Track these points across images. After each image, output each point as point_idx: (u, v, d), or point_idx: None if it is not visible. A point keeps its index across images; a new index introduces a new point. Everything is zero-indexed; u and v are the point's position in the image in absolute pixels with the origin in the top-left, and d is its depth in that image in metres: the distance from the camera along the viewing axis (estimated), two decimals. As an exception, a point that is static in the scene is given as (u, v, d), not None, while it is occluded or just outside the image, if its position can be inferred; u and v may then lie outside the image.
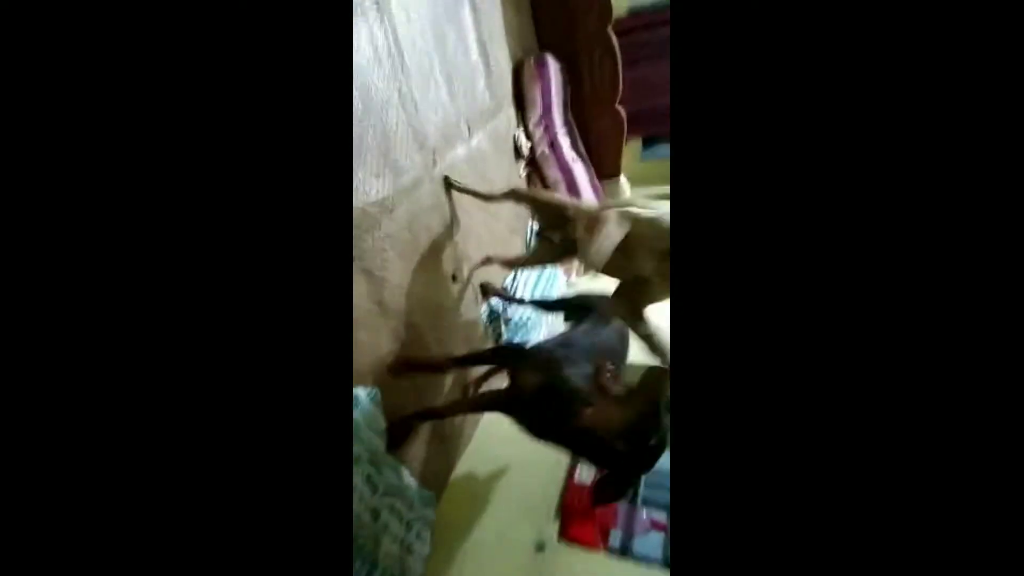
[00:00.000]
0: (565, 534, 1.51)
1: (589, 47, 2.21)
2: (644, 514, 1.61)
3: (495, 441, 1.78)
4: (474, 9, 1.78)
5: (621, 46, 2.19)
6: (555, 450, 1.20)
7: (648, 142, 3.45)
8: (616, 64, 2.22)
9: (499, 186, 1.79)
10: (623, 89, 2.29)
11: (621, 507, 1.63)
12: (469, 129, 1.79)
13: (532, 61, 2.16)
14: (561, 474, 1.67)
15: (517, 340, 2.01)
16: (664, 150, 3.38)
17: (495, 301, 1.95)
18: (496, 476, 1.68)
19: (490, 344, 1.93)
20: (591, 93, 2.32)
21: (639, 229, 1.22)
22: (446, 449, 1.65)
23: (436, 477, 1.58)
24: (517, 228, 2.20)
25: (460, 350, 1.69)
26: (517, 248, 2.20)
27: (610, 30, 2.16)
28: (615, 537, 1.58)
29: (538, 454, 1.70)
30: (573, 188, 2.30)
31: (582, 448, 1.13)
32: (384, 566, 1.17)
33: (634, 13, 2.65)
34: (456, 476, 1.69)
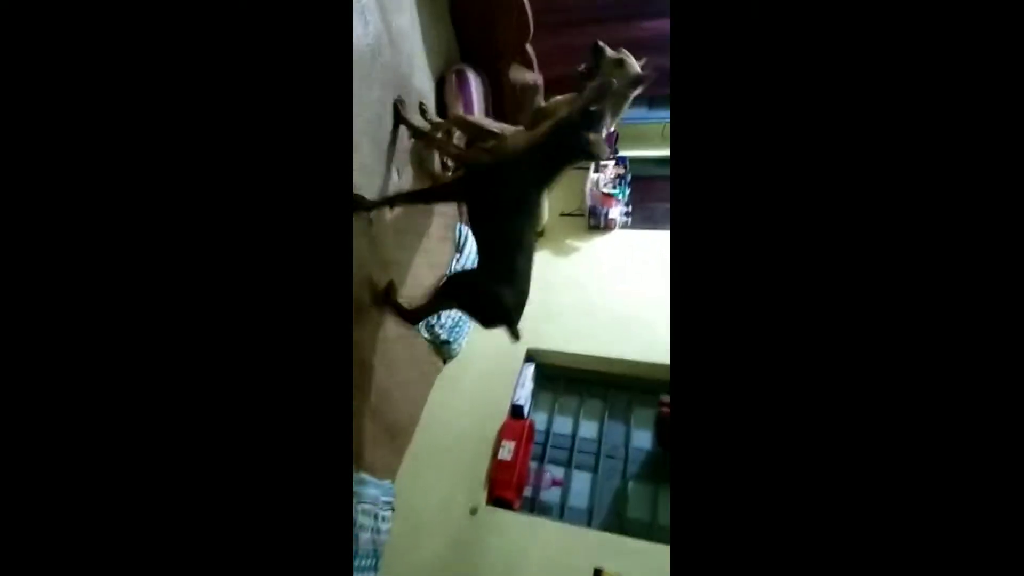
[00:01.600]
0: (491, 498, 2.06)
1: (509, 60, 2.30)
2: (548, 474, 2.20)
3: (434, 431, 2.24)
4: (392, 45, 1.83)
5: (547, 10, 2.26)
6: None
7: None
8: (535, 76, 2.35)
9: (433, 224, 2.04)
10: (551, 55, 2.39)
11: (532, 468, 2.20)
12: (399, 172, 1.96)
13: (453, 77, 2.25)
14: (487, 451, 2.18)
15: (453, 338, 2.39)
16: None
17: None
18: (436, 457, 2.17)
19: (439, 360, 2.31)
20: (512, 100, 2.45)
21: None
22: (395, 444, 2.09)
23: (390, 468, 2.04)
24: (447, 236, 2.45)
25: (411, 373, 2.07)
26: (449, 252, 2.47)
27: (528, 46, 2.26)
28: (528, 491, 2.16)
29: (469, 439, 2.20)
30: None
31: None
32: (364, 552, 1.65)
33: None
34: (407, 458, 2.15)
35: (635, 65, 1.51)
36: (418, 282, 2.13)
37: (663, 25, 2.85)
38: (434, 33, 2.16)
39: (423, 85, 2.12)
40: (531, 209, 1.59)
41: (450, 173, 2.17)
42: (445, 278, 2.02)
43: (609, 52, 1.50)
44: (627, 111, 1.55)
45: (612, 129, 3.04)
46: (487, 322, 1.73)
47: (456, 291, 1.79)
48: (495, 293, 1.59)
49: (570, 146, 1.43)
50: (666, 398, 2.15)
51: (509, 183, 1.52)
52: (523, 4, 2.11)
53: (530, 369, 2.46)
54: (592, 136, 1.41)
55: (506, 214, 1.56)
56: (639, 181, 3.24)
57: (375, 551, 1.73)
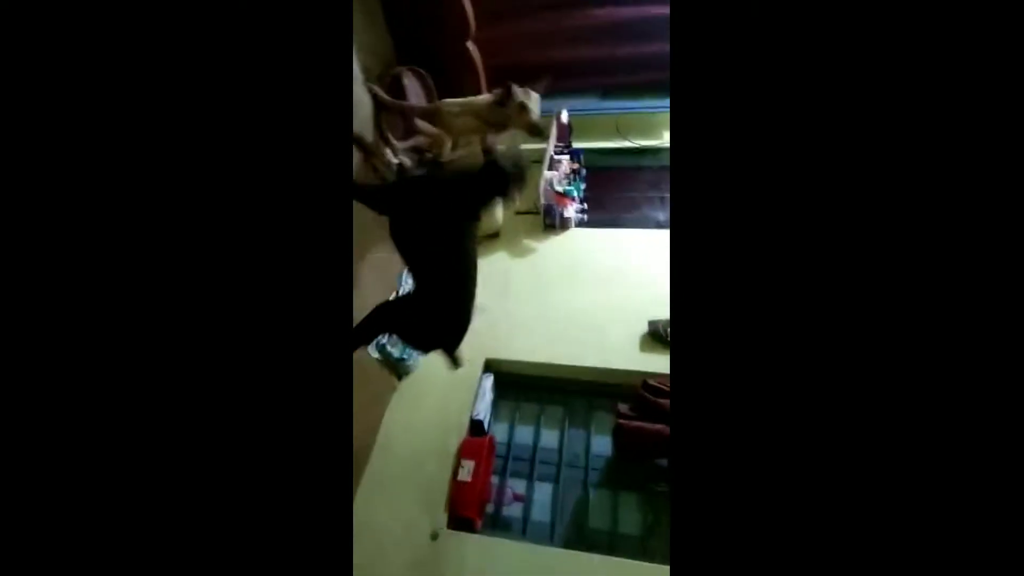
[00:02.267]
0: (452, 521, 2.04)
1: (450, 61, 2.17)
2: (510, 491, 2.19)
3: (394, 451, 2.19)
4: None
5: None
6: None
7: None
8: (478, 76, 2.23)
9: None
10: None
11: (493, 484, 2.19)
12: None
13: (388, 82, 2.10)
14: (448, 468, 2.14)
15: (407, 356, 2.32)
16: (537, 108, 3.41)
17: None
18: (397, 479, 2.12)
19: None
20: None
21: None
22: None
23: (348, 497, 1.99)
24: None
25: (362, 396, 1.99)
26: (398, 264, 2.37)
27: (469, 44, 2.12)
28: (490, 508, 2.16)
29: (430, 457, 2.16)
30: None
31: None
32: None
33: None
34: (364, 485, 2.10)
35: (535, 112, 1.74)
36: (365, 300, 2.03)
37: (614, 13, 2.76)
38: (368, 35, 2.00)
39: (358, 89, 1.96)
40: (458, 239, 1.51)
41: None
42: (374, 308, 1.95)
43: (518, 95, 1.70)
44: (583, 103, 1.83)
45: (565, 120, 2.98)
46: (422, 348, 1.69)
47: (386, 318, 1.70)
48: (428, 319, 1.53)
49: (493, 186, 1.51)
50: (623, 407, 2.16)
51: (433, 204, 1.51)
52: (461, 3, 1.97)
53: (489, 380, 2.42)
54: (513, 177, 1.50)
55: (431, 238, 1.51)
56: (594, 172, 3.18)
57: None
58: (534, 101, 1.75)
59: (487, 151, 1.55)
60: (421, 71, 2.21)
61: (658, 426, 1.98)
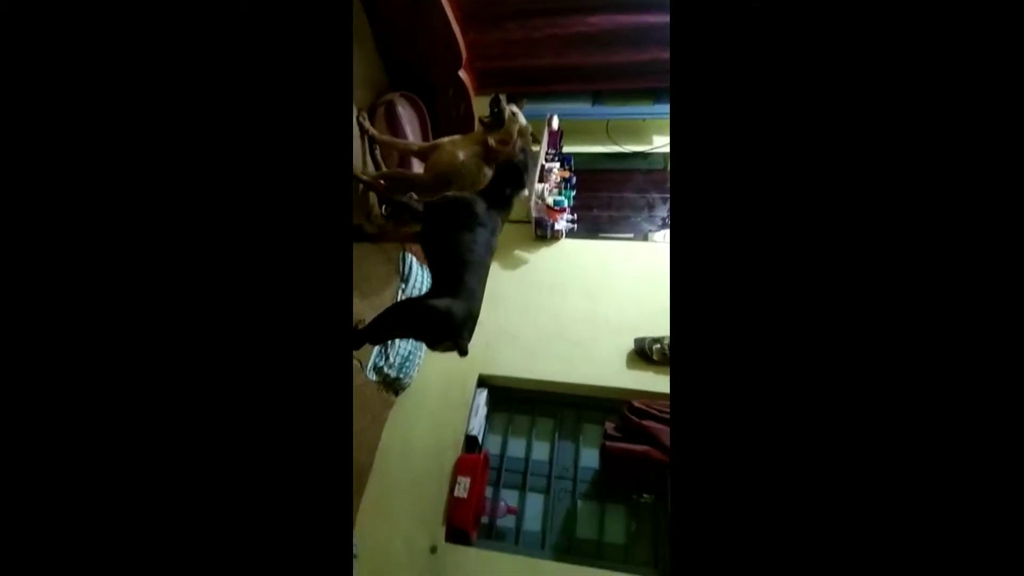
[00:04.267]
0: (450, 533, 2.18)
1: (442, 87, 2.15)
2: (503, 503, 2.33)
3: (393, 470, 2.30)
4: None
5: (490, 3, 2.14)
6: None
7: (511, 99, 3.38)
8: (470, 102, 2.21)
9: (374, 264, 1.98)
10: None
11: (488, 499, 2.33)
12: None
13: (382, 110, 2.08)
14: (445, 483, 2.27)
15: (404, 374, 2.40)
16: (528, 110, 3.35)
17: (376, 353, 2.25)
18: (396, 496, 2.25)
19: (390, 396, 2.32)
20: (446, 122, 2.31)
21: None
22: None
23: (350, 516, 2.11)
24: (391, 271, 2.38)
25: (363, 420, 2.08)
26: (394, 285, 2.41)
27: (461, 73, 2.10)
28: (485, 520, 2.30)
29: (427, 474, 2.28)
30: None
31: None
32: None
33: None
34: (364, 502, 2.22)
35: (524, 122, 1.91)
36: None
37: (608, 20, 2.71)
38: (359, 63, 1.96)
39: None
40: (483, 230, 1.63)
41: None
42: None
43: (508, 107, 1.85)
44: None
45: (556, 126, 2.99)
46: (433, 338, 1.68)
47: (400, 312, 1.77)
48: (443, 306, 1.56)
49: (512, 178, 1.68)
50: (609, 426, 2.28)
51: (461, 212, 1.64)
52: (452, 34, 1.94)
53: (483, 395, 2.52)
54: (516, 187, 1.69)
55: (458, 231, 1.61)
56: (584, 175, 3.20)
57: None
58: (519, 112, 1.91)
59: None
60: (414, 96, 2.19)
61: (642, 447, 2.11)
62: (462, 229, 1.60)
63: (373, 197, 2.04)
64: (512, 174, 1.65)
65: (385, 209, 2.05)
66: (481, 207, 1.64)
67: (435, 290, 1.66)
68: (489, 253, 1.66)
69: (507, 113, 1.86)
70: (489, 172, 1.84)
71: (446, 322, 1.53)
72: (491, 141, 1.84)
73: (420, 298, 1.71)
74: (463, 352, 1.65)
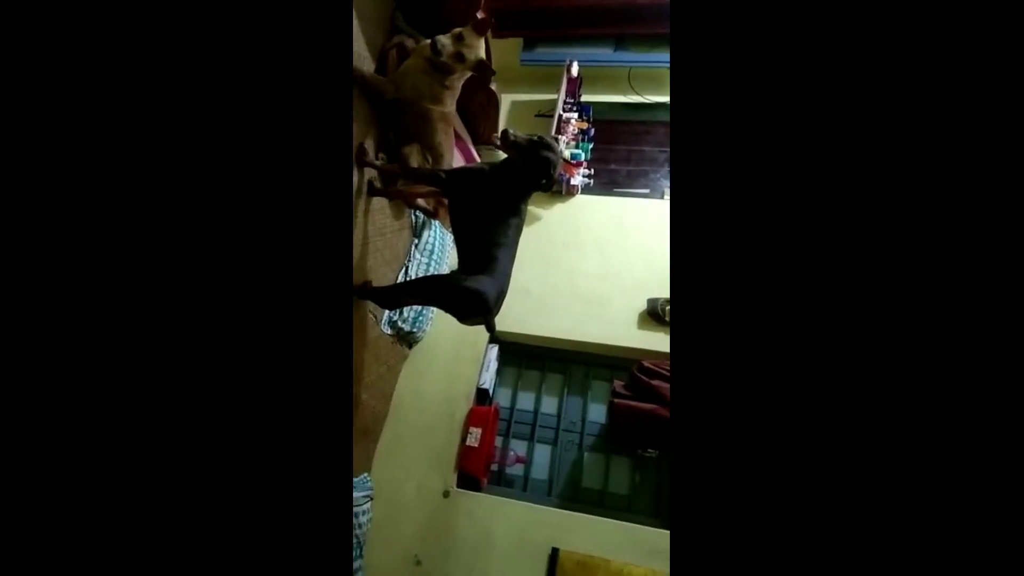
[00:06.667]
0: (461, 480, 2.28)
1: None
2: (513, 453, 2.43)
3: (408, 418, 2.39)
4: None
5: None
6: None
7: (529, 43, 3.22)
8: (489, 51, 2.10)
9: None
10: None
11: (497, 448, 2.42)
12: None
13: (394, 52, 1.98)
14: (457, 432, 2.36)
15: (417, 328, 2.43)
16: (546, 55, 3.19)
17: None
18: (411, 443, 2.34)
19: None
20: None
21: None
22: (367, 441, 2.24)
23: (364, 462, 2.21)
24: (403, 226, 2.36)
25: (379, 369, 2.14)
26: (406, 240, 2.40)
27: (482, 14, 1.98)
28: (495, 467, 2.41)
29: (440, 422, 2.36)
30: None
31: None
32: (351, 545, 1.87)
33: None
34: (381, 447, 2.32)
35: (477, 48, 1.79)
36: (379, 281, 2.10)
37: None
38: (369, 1, 1.86)
39: (360, 62, 1.87)
40: (512, 213, 1.65)
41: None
42: (417, 278, 2.06)
43: (446, 47, 1.76)
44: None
45: (575, 73, 2.84)
46: (464, 315, 1.71)
47: (434, 288, 1.79)
48: (479, 288, 1.58)
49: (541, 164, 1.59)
50: (618, 383, 2.32)
51: (488, 190, 1.65)
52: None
53: (494, 351, 2.57)
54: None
55: (487, 212, 1.64)
56: (602, 126, 3.08)
57: (358, 543, 1.96)
58: (471, 39, 1.78)
59: (505, 138, 1.58)
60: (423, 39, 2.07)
61: (649, 405, 2.16)
62: (504, 216, 1.65)
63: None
64: (543, 169, 1.59)
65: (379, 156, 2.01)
66: (520, 196, 1.68)
67: (467, 266, 1.67)
68: (519, 236, 1.71)
69: (447, 50, 1.78)
70: (438, 84, 1.86)
71: (480, 302, 1.56)
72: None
73: (455, 276, 1.71)
74: (491, 329, 1.70)
